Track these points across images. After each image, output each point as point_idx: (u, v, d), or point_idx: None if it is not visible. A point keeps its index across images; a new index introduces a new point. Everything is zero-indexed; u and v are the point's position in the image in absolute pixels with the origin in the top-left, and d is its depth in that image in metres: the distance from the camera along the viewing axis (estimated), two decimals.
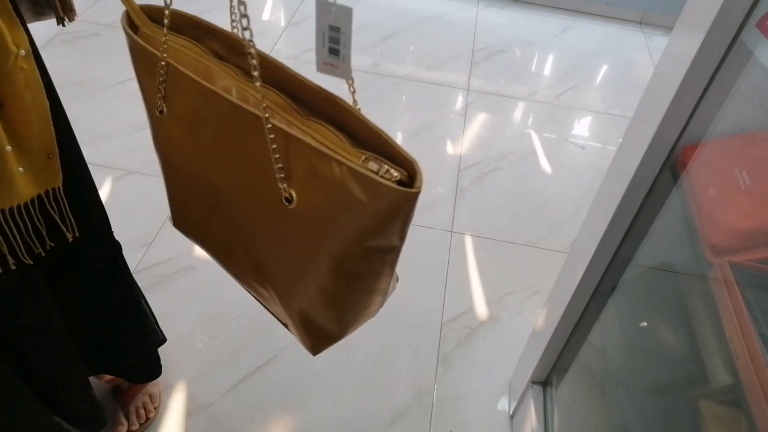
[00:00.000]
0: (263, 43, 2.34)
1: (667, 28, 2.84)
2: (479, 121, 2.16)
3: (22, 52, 0.61)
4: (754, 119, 0.68)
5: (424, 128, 2.07)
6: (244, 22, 0.49)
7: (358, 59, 2.37)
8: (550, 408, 1.17)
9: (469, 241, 1.70)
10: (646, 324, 0.96)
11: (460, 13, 2.75)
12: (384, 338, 1.43)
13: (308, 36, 2.43)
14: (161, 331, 1.18)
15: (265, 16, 2.54)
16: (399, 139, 2.02)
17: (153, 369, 1.17)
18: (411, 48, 2.47)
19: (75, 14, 0.76)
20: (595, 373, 1.09)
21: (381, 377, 1.35)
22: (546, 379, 1.22)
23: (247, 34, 0.50)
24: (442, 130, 2.08)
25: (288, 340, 1.38)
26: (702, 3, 0.66)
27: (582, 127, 2.23)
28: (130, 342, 1.07)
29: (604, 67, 2.58)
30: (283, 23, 2.50)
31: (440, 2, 2.81)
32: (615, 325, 1.00)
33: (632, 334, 0.98)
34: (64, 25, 0.76)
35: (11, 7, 0.58)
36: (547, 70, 2.53)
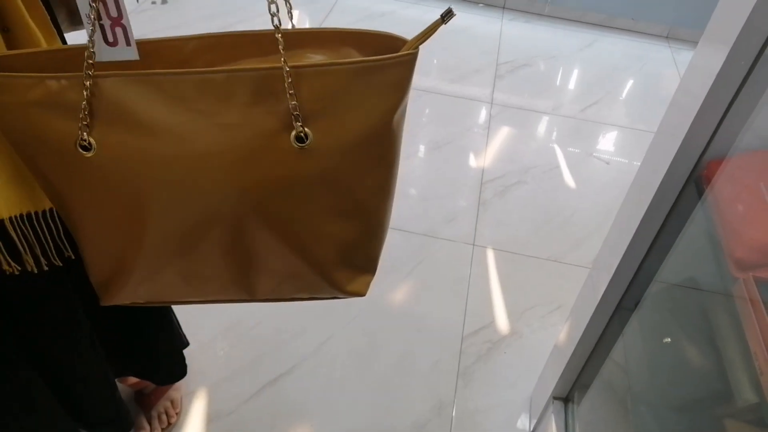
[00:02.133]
0: None
1: (695, 43, 2.81)
2: (503, 134, 2.16)
3: None
4: None
5: (447, 141, 2.08)
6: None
7: None
8: (572, 424, 1.16)
9: (491, 254, 1.69)
10: (670, 340, 0.94)
11: (484, 27, 2.76)
12: (404, 350, 1.43)
13: None
14: (185, 336, 1.19)
15: (288, 26, 2.58)
16: (421, 151, 2.03)
17: (178, 370, 1.18)
18: (435, 61, 2.48)
19: None
20: (618, 389, 1.08)
21: (401, 390, 1.35)
22: (567, 395, 1.20)
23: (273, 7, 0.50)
24: (465, 143, 2.08)
25: (308, 350, 1.39)
26: (727, 17, 0.66)
27: (607, 142, 2.21)
28: (156, 343, 1.09)
29: (630, 82, 2.56)
30: None
31: (465, 16, 2.82)
32: (638, 342, 0.99)
33: (656, 351, 0.97)
34: None
35: (49, 17, 0.61)
36: (571, 84, 2.52)
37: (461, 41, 2.64)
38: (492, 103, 2.29)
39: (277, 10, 0.50)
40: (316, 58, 0.55)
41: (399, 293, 1.55)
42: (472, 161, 2.01)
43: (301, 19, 2.64)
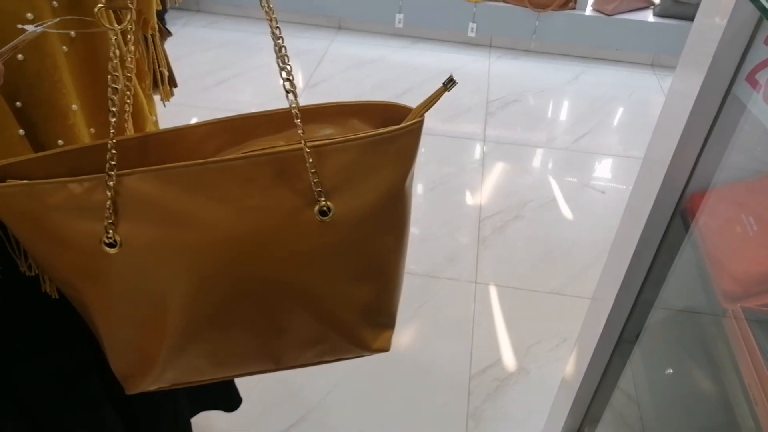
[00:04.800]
0: (283, 106, 2.43)
1: None
2: (498, 170, 2.19)
3: (154, 118, 0.70)
4: (757, 166, 0.70)
5: (444, 181, 2.11)
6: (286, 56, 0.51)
7: None
8: None
9: (493, 291, 1.70)
10: (674, 371, 0.95)
11: (473, 66, 2.83)
12: (412, 394, 1.43)
13: (327, 97, 2.52)
14: None
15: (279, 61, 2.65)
16: (419, 191, 2.06)
17: (238, 397, 1.21)
18: None
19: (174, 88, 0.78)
20: (631, 421, 1.07)
21: None
22: (579, 430, 1.20)
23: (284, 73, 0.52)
24: (461, 182, 2.11)
25: (316, 400, 1.39)
26: (695, 58, 0.70)
27: (601, 171, 2.24)
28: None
29: (620, 110, 2.61)
30: (301, 84, 2.61)
31: (453, 57, 2.90)
32: (646, 372, 0.99)
33: (662, 382, 0.97)
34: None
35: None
36: (562, 117, 2.57)
37: None
38: (485, 141, 2.33)
39: (291, 80, 0.52)
40: (326, 132, 0.57)
41: (404, 336, 1.55)
42: (469, 199, 2.04)
43: (293, 70, 2.71)
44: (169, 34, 0.74)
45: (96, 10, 0.47)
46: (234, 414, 1.36)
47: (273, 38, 0.51)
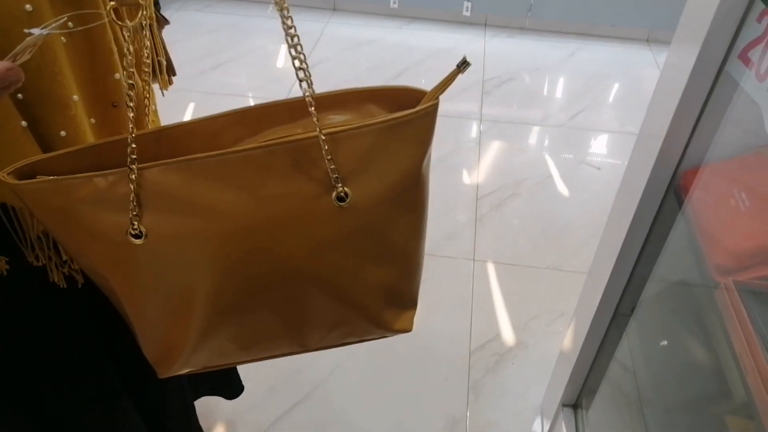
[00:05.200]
0: (280, 89, 2.44)
1: None
2: (494, 148, 2.20)
3: (153, 107, 0.71)
4: (749, 142, 0.72)
5: (441, 160, 2.12)
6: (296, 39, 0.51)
7: None
8: (582, 430, 1.19)
9: (491, 268, 1.73)
10: (669, 343, 0.98)
11: (468, 46, 2.83)
12: (413, 370, 1.46)
13: (324, 79, 2.52)
14: None
15: (280, 63, 2.65)
16: None
17: (240, 385, 1.23)
18: (423, 82, 2.54)
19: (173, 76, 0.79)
20: (627, 392, 1.11)
21: (413, 409, 1.38)
22: (576, 401, 1.23)
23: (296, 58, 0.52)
24: (458, 161, 2.13)
25: (320, 378, 1.42)
26: (688, 35, 0.71)
27: (597, 148, 2.26)
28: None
29: (616, 87, 2.62)
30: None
31: (448, 37, 2.89)
32: (642, 344, 1.02)
33: (658, 354, 1.00)
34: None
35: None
36: (558, 94, 2.57)
37: (447, 61, 2.70)
38: (481, 119, 2.34)
39: (304, 69, 0.52)
40: (341, 118, 0.58)
41: None
42: (466, 178, 2.06)
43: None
44: (167, 22, 0.75)
45: (108, 8, 0.48)
46: (242, 394, 1.39)
47: (284, 28, 0.51)
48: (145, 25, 0.67)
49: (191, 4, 3.03)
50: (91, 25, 0.55)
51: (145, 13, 0.50)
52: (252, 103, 2.46)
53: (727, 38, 0.66)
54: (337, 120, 0.58)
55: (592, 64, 2.75)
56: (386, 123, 0.53)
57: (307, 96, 0.52)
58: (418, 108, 0.55)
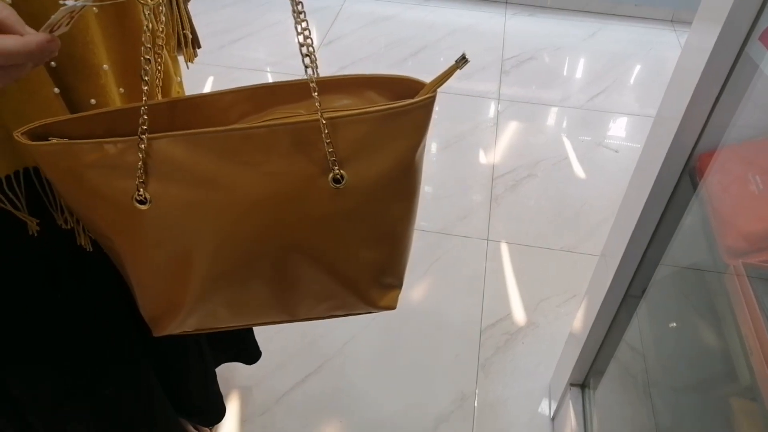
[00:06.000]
0: (298, 64, 2.41)
1: None
2: (511, 129, 2.19)
3: (178, 78, 0.72)
4: (766, 125, 0.71)
5: (458, 139, 2.12)
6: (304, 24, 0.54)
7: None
8: (589, 409, 1.20)
9: (504, 248, 1.74)
10: (678, 325, 0.98)
11: (487, 23, 2.80)
12: (425, 346, 1.48)
13: (342, 55, 2.52)
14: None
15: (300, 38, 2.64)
16: (433, 149, 2.07)
17: (258, 351, 1.29)
18: (442, 59, 2.53)
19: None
20: (635, 374, 1.12)
21: (423, 384, 1.40)
22: (584, 382, 1.25)
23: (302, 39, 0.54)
24: (475, 140, 2.12)
25: (333, 350, 1.45)
26: (709, 17, 0.70)
27: (616, 130, 2.24)
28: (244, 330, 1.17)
29: (637, 68, 2.58)
30: (316, 42, 2.59)
31: (468, 14, 2.86)
32: (651, 327, 1.03)
33: (666, 335, 1.01)
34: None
35: None
36: (578, 74, 2.54)
37: (466, 39, 2.68)
38: (499, 99, 2.32)
39: (313, 60, 0.55)
40: (343, 102, 0.60)
41: (417, 291, 1.60)
42: (483, 157, 2.06)
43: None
44: None
45: None
46: (255, 363, 1.43)
47: (295, 17, 0.53)
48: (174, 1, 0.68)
49: None
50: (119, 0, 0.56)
51: None
52: (270, 77, 2.47)
53: (749, 19, 0.65)
54: (339, 104, 0.60)
55: (614, 44, 2.71)
56: (384, 112, 0.55)
57: (312, 83, 0.54)
58: (415, 99, 0.57)
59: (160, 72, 0.64)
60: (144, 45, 0.53)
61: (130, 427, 0.92)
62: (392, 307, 0.71)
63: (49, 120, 0.54)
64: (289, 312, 0.69)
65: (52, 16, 0.45)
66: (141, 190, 0.55)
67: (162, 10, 0.59)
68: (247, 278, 0.63)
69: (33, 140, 0.53)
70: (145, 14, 0.52)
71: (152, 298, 0.64)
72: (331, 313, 0.71)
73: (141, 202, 0.55)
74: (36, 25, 0.48)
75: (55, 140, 0.54)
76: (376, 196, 0.60)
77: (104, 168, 0.54)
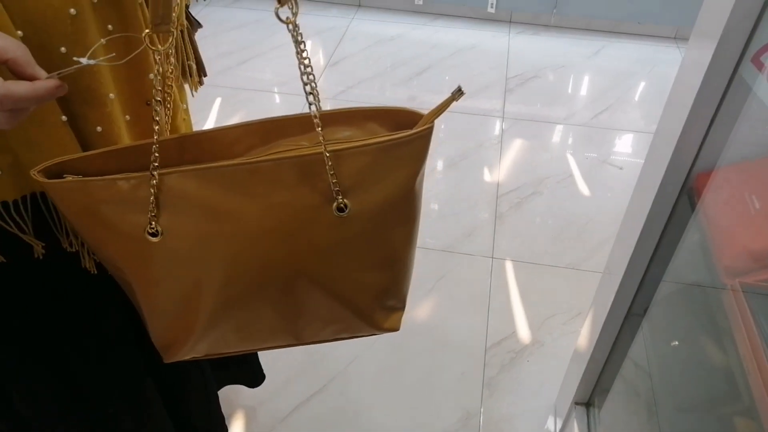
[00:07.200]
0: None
1: None
2: (516, 146, 2.21)
3: (184, 105, 0.74)
4: (762, 147, 0.72)
5: (462, 157, 2.13)
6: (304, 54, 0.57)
7: (395, 93, 2.46)
8: (594, 428, 1.20)
9: (509, 266, 1.74)
10: (681, 343, 0.98)
11: (492, 42, 2.82)
12: (430, 364, 1.48)
13: (348, 75, 2.55)
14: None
15: (304, 78, 2.67)
16: (438, 167, 2.09)
17: (261, 374, 1.29)
18: (447, 78, 2.55)
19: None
20: (642, 392, 1.11)
21: (428, 402, 1.40)
22: (589, 400, 1.24)
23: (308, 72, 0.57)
24: (480, 158, 2.14)
25: (338, 369, 1.45)
26: (703, 38, 0.71)
27: (620, 147, 2.24)
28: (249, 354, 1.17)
29: (641, 85, 2.59)
30: (322, 63, 2.63)
31: (472, 33, 2.89)
32: (654, 345, 1.03)
33: (671, 354, 1.01)
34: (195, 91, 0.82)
35: None
36: (582, 92, 2.56)
37: (470, 58, 2.71)
38: (504, 117, 2.34)
39: (314, 95, 0.58)
40: (346, 134, 0.63)
41: (422, 309, 1.60)
42: (487, 175, 2.07)
43: (314, 49, 2.73)
44: (200, 26, 0.78)
45: (143, 35, 0.52)
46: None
47: (299, 59, 0.57)
48: (178, 32, 0.70)
49: (218, 0, 3.08)
50: (132, 55, 0.58)
51: (173, 40, 0.54)
52: (277, 98, 2.50)
53: (742, 40, 0.66)
54: (341, 135, 0.63)
55: (618, 62, 2.72)
56: (385, 143, 0.58)
57: (315, 117, 0.57)
58: (414, 130, 0.59)
59: (169, 110, 0.66)
60: (155, 87, 0.55)
61: None
62: (395, 329, 0.73)
63: (64, 158, 0.57)
64: (296, 336, 0.71)
65: (64, 70, 0.47)
66: (153, 223, 0.57)
67: (171, 52, 0.61)
68: (256, 304, 0.65)
69: (48, 178, 0.55)
70: (155, 59, 0.54)
71: (163, 326, 0.66)
72: (336, 336, 0.73)
73: (153, 235, 0.57)
74: (44, 54, 0.50)
75: (70, 177, 0.56)
76: (379, 223, 0.62)
77: (118, 203, 0.56)
